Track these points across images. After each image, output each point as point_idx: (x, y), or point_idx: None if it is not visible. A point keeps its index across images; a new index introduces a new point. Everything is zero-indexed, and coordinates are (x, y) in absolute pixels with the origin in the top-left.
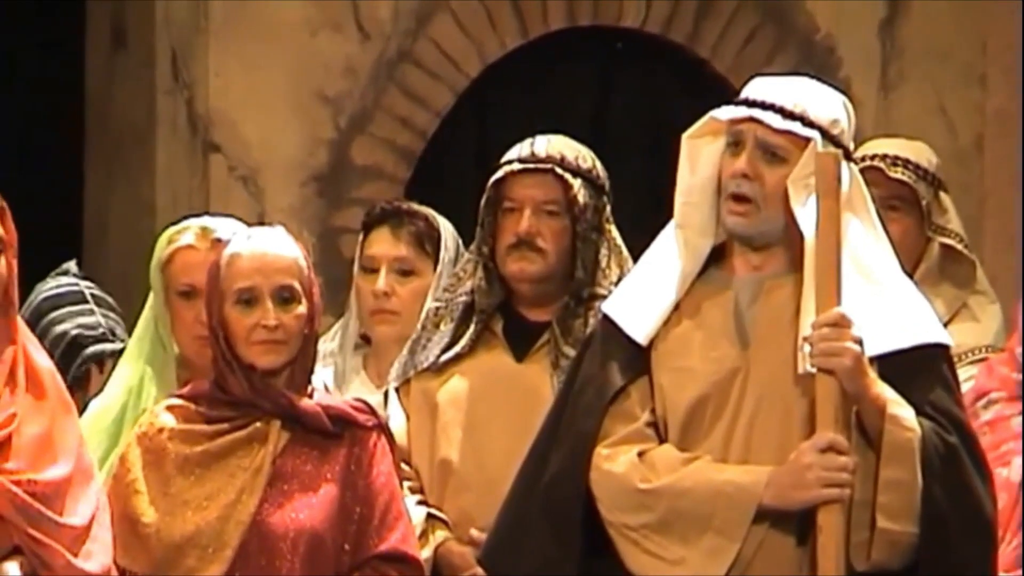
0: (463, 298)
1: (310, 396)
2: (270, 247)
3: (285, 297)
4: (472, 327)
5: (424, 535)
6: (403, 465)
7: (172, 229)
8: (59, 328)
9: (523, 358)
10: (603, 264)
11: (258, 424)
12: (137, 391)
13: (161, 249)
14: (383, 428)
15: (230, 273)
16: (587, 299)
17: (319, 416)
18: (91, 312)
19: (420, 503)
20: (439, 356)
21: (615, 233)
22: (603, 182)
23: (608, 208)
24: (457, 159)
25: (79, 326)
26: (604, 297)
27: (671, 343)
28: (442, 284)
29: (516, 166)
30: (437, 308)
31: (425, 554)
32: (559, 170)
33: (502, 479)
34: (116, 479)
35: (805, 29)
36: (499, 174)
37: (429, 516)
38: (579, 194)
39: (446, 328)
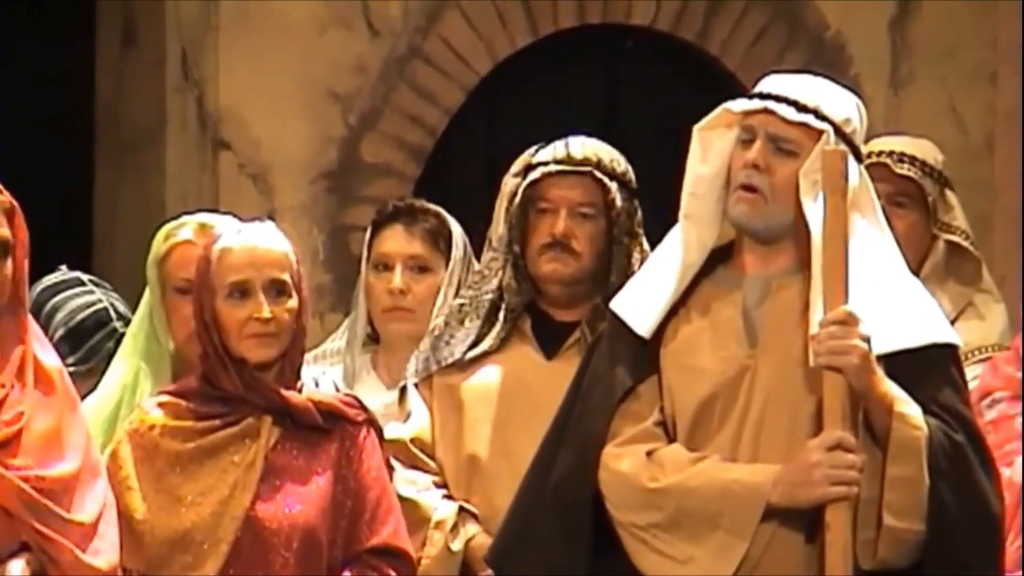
0: (489, 296)
1: (299, 391)
2: (260, 241)
3: (277, 290)
4: (499, 325)
5: (455, 528)
6: (427, 459)
7: (170, 225)
8: (62, 311)
9: (552, 356)
10: (635, 268)
11: (250, 419)
12: (132, 387)
13: (159, 244)
14: (372, 422)
15: (221, 267)
16: None
17: (310, 411)
18: (91, 292)
19: (446, 497)
20: (465, 352)
21: (643, 238)
22: (635, 186)
23: (639, 213)
24: (467, 156)
25: (78, 308)
26: None
27: (680, 342)
28: (466, 281)
29: (553, 167)
30: (462, 305)
31: (456, 546)
32: (597, 173)
33: None
34: (107, 476)
35: (815, 27)
36: (535, 175)
37: (460, 509)
38: (616, 197)
39: (471, 325)
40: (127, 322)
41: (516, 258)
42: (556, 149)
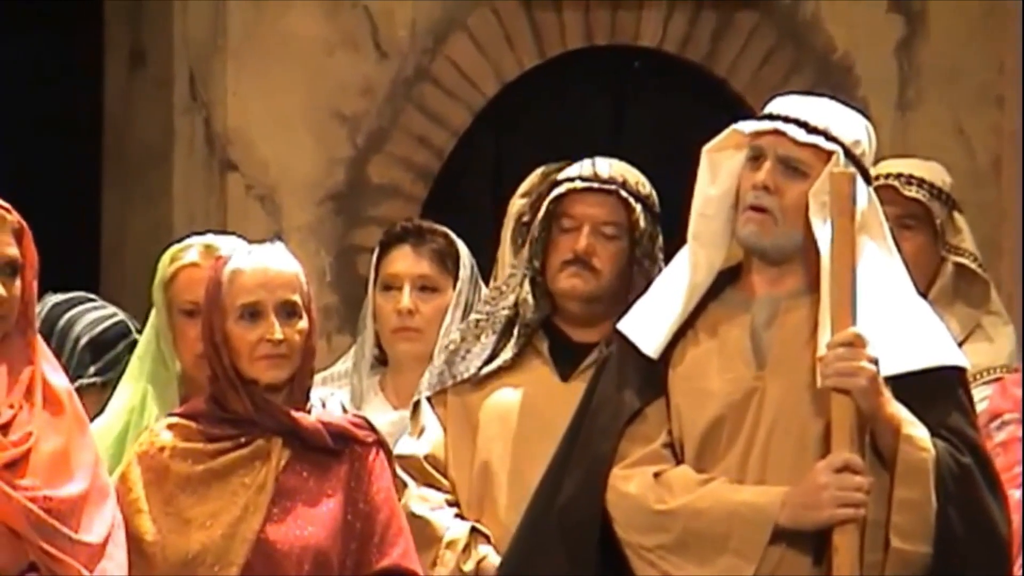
0: (505, 311)
1: (308, 412)
2: (272, 262)
3: (288, 311)
4: (514, 340)
5: (467, 549)
6: (440, 477)
7: (176, 247)
8: (80, 323)
9: (569, 377)
10: None
11: (260, 441)
12: (139, 410)
13: (164, 267)
14: (382, 444)
15: (233, 289)
16: None
17: (320, 433)
18: (104, 306)
19: (458, 516)
20: (480, 368)
21: (663, 261)
22: (658, 210)
23: (661, 237)
24: (474, 178)
25: (99, 319)
26: None
27: (688, 364)
28: (474, 301)
29: (579, 184)
30: (478, 320)
31: (468, 567)
32: (623, 192)
33: None
34: (117, 498)
35: (822, 49)
36: (560, 190)
37: (473, 530)
38: (640, 218)
39: (487, 340)
40: None
41: (535, 273)
42: (583, 167)
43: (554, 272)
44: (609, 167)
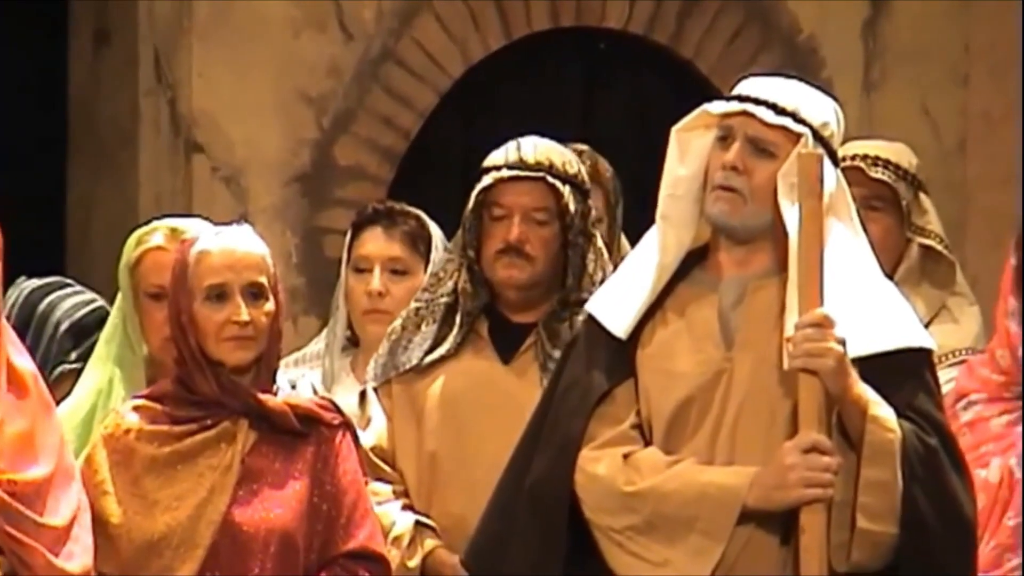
0: (444, 299)
1: (274, 394)
2: (239, 244)
3: (255, 293)
4: (456, 329)
5: (413, 543)
6: (386, 467)
7: (141, 230)
8: (61, 308)
9: (509, 360)
10: (590, 269)
11: (226, 423)
12: (107, 393)
13: (130, 250)
14: (348, 426)
15: (199, 270)
16: (573, 303)
17: (287, 415)
18: (83, 292)
19: (406, 508)
20: (423, 358)
21: (598, 237)
22: (588, 187)
23: (592, 212)
24: (440, 159)
25: (78, 304)
26: None
27: (656, 345)
28: (421, 284)
29: (505, 172)
30: (418, 308)
31: (413, 563)
32: (550, 178)
33: (492, 482)
34: (83, 480)
35: (788, 29)
36: (487, 181)
37: (417, 524)
38: (569, 201)
39: (428, 329)
40: None
41: (471, 262)
42: (508, 152)
43: (490, 261)
44: (534, 150)
